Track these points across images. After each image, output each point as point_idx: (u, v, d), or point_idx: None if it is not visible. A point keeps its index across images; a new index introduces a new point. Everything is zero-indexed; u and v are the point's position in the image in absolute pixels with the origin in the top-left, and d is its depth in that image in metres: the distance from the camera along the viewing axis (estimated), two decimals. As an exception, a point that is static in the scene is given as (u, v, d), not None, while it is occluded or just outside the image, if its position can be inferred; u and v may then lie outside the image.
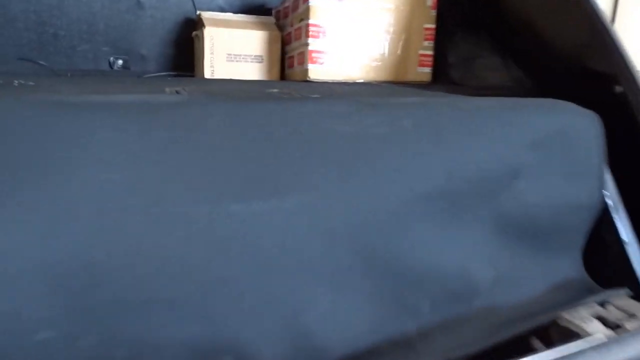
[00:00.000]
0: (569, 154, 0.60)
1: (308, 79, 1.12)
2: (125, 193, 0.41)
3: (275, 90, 0.69)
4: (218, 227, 0.44)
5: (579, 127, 0.60)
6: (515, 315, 0.60)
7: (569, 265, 0.66)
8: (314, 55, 1.12)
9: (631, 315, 0.57)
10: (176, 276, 0.42)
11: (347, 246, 0.49)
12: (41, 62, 1.31)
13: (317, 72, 1.11)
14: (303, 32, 1.15)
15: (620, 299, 0.60)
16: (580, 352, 0.50)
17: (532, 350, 0.61)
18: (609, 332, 0.54)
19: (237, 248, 0.44)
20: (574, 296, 0.64)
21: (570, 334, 0.56)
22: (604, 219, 0.63)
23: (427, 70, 1.23)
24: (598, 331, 0.54)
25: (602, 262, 0.65)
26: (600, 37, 0.70)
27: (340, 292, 0.49)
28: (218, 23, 1.28)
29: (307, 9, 1.12)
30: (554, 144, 0.59)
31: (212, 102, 0.52)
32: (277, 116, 0.52)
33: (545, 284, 0.64)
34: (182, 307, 0.43)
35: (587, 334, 0.54)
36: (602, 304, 0.59)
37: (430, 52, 1.21)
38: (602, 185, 0.61)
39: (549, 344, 0.62)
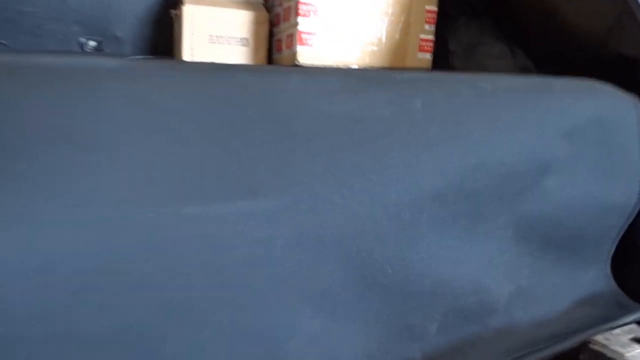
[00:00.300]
0: (606, 144, 0.51)
1: (296, 62, 1.01)
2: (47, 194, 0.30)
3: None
4: (168, 236, 0.33)
5: (618, 114, 0.51)
6: (537, 337, 0.50)
7: (597, 276, 0.56)
8: (303, 36, 1.01)
9: (678, 339, 0.48)
10: (113, 299, 0.32)
11: (340, 258, 0.38)
12: (2, 42, 1.18)
13: (306, 55, 1.00)
14: (292, 11, 1.03)
15: (662, 317, 0.51)
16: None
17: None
18: (655, 360, 0.45)
19: (194, 262, 0.34)
20: (604, 312, 0.55)
21: (605, 362, 0.47)
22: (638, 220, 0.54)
23: (428, 56, 1.12)
24: (641, 359, 0.45)
25: (635, 271, 0.56)
26: (631, 18, 0.60)
27: (331, 315, 0.39)
28: (200, 1, 1.16)
29: (298, -16, 1.01)
30: (589, 133, 0.49)
31: (162, 70, 0.40)
32: (251, 92, 0.41)
33: (570, 299, 0.55)
34: (123, 339, 0.32)
35: (628, 363, 0.45)
36: (640, 324, 0.50)
37: (431, 37, 1.10)
38: (641, 182, 0.52)
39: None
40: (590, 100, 0.50)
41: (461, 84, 0.47)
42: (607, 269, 0.56)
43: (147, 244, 0.33)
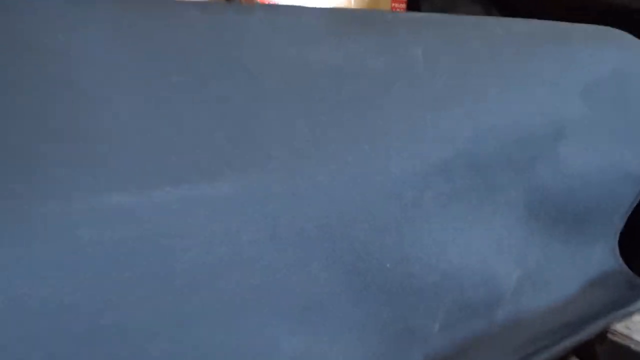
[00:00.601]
0: (623, 103, 0.44)
1: None
2: None
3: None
4: (86, 240, 0.22)
5: (638, 70, 0.43)
6: (547, 328, 0.44)
7: (606, 254, 0.51)
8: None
9: None
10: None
11: (327, 255, 0.29)
12: None
13: None
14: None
15: (681, 297, 0.46)
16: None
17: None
18: (685, 350, 0.40)
19: (126, 274, 0.23)
20: (617, 294, 0.49)
21: (627, 354, 0.41)
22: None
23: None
24: (672, 350, 0.39)
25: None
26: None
27: (316, 328, 0.30)
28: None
29: None
30: (608, 90, 0.42)
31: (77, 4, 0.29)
32: (201, 37, 0.30)
33: (580, 280, 0.49)
34: None
35: (657, 355, 0.39)
36: (660, 305, 0.45)
37: (403, 4, 1.02)
38: (662, 146, 0.45)
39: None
40: (611, 50, 0.42)
41: (469, 28, 0.38)
42: (616, 247, 0.51)
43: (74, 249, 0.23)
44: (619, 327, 0.42)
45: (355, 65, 0.33)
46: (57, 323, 0.22)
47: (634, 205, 0.49)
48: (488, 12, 0.98)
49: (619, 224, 0.50)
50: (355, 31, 0.35)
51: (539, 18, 0.44)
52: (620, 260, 0.52)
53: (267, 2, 0.82)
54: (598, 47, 0.42)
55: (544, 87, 0.38)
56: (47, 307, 0.22)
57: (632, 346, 0.40)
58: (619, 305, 0.46)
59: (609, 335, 0.42)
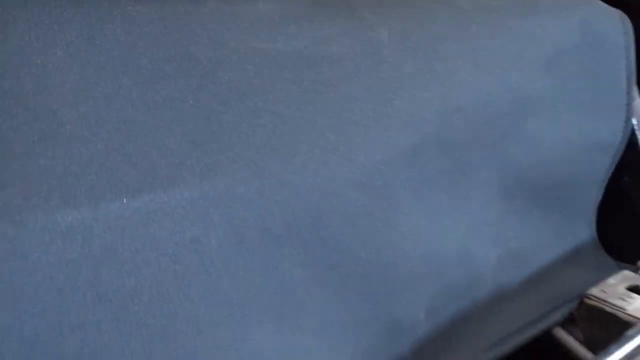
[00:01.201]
0: (591, 73, 0.44)
1: None
2: None
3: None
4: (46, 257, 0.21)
5: (604, 35, 0.43)
6: (530, 305, 0.44)
7: (584, 228, 0.51)
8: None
9: (676, 282, 0.44)
10: None
11: (298, 252, 0.29)
12: None
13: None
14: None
15: (653, 259, 0.47)
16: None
17: (558, 347, 0.47)
18: (658, 311, 0.41)
19: (103, 284, 0.23)
20: (594, 268, 0.50)
21: (605, 318, 0.42)
22: (628, 157, 0.48)
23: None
24: (645, 312, 0.40)
25: (623, 214, 0.52)
26: None
27: (299, 323, 0.30)
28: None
29: None
30: (572, 61, 0.42)
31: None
32: (150, 31, 0.28)
33: (559, 256, 0.49)
34: None
35: (632, 318, 0.40)
36: (634, 268, 0.46)
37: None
38: (630, 114, 0.46)
39: (577, 332, 0.48)
40: (578, 19, 0.42)
41: (436, 6, 0.37)
42: (593, 221, 0.51)
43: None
44: (595, 291, 0.43)
45: (318, 53, 0.32)
46: (20, 355, 0.21)
47: (609, 175, 0.49)
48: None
49: (596, 196, 0.50)
50: (318, 17, 0.33)
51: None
52: (595, 234, 0.52)
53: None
54: (564, 16, 0.42)
55: (510, 64, 0.38)
56: (8, 337, 0.21)
57: (607, 309, 0.41)
58: (589, 283, 0.46)
59: (586, 300, 0.43)
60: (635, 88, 0.46)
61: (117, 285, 0.24)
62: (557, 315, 0.45)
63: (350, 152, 0.31)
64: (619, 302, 0.41)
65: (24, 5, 0.25)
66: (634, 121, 0.48)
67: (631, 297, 0.42)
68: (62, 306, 0.22)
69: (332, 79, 0.32)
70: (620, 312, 0.41)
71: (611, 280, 0.44)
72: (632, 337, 0.37)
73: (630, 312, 0.40)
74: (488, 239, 0.42)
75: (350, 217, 0.31)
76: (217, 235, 0.26)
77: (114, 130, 0.25)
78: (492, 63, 0.37)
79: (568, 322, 0.45)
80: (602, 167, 0.48)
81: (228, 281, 0.27)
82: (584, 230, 0.50)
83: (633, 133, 0.48)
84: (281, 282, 0.28)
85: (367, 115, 0.32)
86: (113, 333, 0.23)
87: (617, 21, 0.44)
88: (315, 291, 0.30)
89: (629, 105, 0.45)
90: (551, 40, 0.40)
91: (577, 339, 0.47)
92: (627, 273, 0.45)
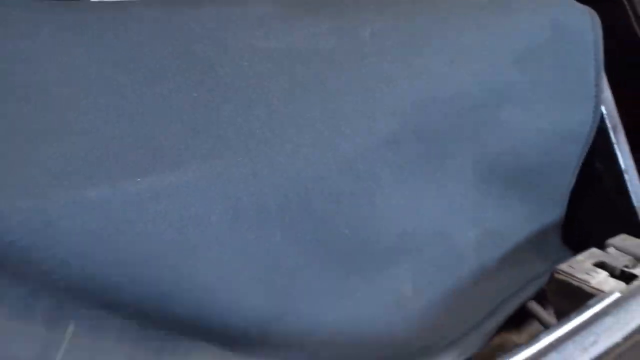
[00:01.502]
0: (560, 66, 0.47)
1: None
2: None
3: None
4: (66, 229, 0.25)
5: (574, 31, 0.47)
6: (510, 281, 0.48)
7: (555, 208, 0.54)
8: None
9: (638, 259, 0.48)
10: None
11: (287, 226, 0.32)
12: None
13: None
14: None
15: (620, 238, 0.51)
16: (597, 320, 0.39)
17: (532, 317, 0.51)
18: (619, 284, 0.45)
19: (119, 251, 0.26)
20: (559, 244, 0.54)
21: (572, 291, 0.46)
22: (598, 144, 0.52)
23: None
24: (607, 285, 0.44)
25: (594, 198, 0.55)
26: None
27: (291, 291, 0.34)
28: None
29: None
30: (543, 55, 0.45)
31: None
32: (154, 33, 0.32)
33: (530, 233, 0.53)
34: None
35: (594, 290, 0.44)
36: (601, 247, 0.50)
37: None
38: (599, 104, 0.49)
39: (548, 305, 0.53)
40: (549, 14, 0.45)
41: (417, 4, 0.40)
42: (564, 204, 0.55)
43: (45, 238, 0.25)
44: (564, 266, 0.47)
45: (306, 48, 0.35)
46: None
47: (581, 161, 0.53)
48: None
49: (569, 181, 0.53)
50: (305, 16, 0.37)
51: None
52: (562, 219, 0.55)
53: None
54: (536, 14, 0.45)
55: (483, 59, 0.41)
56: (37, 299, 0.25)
57: (574, 282, 0.45)
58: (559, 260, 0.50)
59: (555, 274, 0.47)
60: (603, 80, 0.50)
61: (132, 252, 0.27)
62: (531, 290, 0.48)
63: (336, 141, 0.35)
64: (584, 277, 0.45)
65: (51, 12, 0.29)
66: (604, 110, 0.52)
67: (596, 272, 0.46)
68: (86, 269, 0.26)
69: (320, 73, 0.36)
70: (585, 285, 0.45)
71: (579, 257, 0.48)
72: (591, 306, 0.41)
73: (594, 285, 0.44)
74: (465, 220, 0.46)
75: (335, 197, 0.35)
76: (216, 211, 0.30)
77: (126, 120, 0.29)
78: (466, 58, 0.41)
79: (540, 296, 0.49)
80: (573, 154, 0.51)
81: (225, 252, 0.31)
82: (556, 212, 0.54)
83: (602, 121, 0.52)
84: (272, 254, 0.32)
85: (351, 106, 0.36)
86: (129, 293, 0.27)
87: (587, 18, 0.47)
88: (303, 262, 0.34)
89: (597, 97, 0.48)
90: (523, 37, 0.44)
91: (548, 311, 0.51)
92: (594, 250, 0.49)
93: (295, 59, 0.35)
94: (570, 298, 0.45)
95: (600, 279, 0.45)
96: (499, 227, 0.50)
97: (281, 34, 0.36)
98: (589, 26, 0.46)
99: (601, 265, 0.47)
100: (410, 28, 0.40)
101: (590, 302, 0.42)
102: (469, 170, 0.45)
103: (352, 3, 0.40)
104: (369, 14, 0.38)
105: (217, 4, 0.34)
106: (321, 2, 0.38)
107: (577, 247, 0.50)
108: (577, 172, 0.53)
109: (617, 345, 0.39)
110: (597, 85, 0.48)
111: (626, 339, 0.37)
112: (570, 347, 0.38)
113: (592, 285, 0.44)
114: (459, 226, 0.45)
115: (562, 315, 0.46)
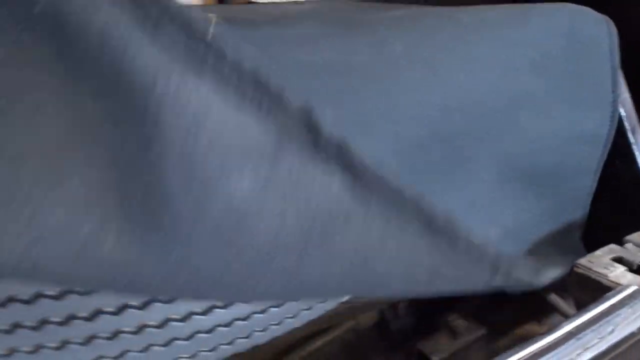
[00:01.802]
0: (575, 72, 0.50)
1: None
2: None
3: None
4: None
5: (591, 40, 0.49)
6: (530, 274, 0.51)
7: (576, 209, 0.57)
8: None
9: (656, 255, 0.50)
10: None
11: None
12: None
13: (263, -11, 0.92)
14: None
15: (638, 234, 0.53)
16: (615, 311, 0.42)
17: (552, 311, 0.54)
18: (635, 278, 0.47)
19: None
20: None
21: (591, 284, 0.49)
22: (617, 144, 0.54)
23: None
24: (625, 279, 0.47)
25: (613, 196, 0.57)
26: None
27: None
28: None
29: None
30: (559, 63, 0.48)
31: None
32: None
33: (551, 235, 0.55)
34: None
35: (612, 283, 0.47)
36: (619, 243, 0.52)
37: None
38: (616, 108, 0.52)
39: (569, 297, 0.55)
40: (565, 25, 0.48)
41: (441, 21, 0.44)
42: (586, 206, 0.56)
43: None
44: (583, 261, 0.50)
45: (345, 61, 0.40)
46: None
47: (601, 165, 0.55)
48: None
49: (591, 183, 0.55)
50: (346, 35, 0.41)
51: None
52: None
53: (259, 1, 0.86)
54: (553, 24, 0.48)
55: (502, 68, 0.45)
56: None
57: (593, 276, 0.48)
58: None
59: (575, 269, 0.49)
60: (621, 85, 0.52)
61: None
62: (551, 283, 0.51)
63: (368, 144, 0.39)
64: (603, 271, 0.48)
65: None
66: (622, 112, 0.54)
67: (614, 267, 0.49)
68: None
69: (355, 83, 0.40)
70: (603, 279, 0.47)
71: (598, 252, 0.51)
72: (609, 298, 0.44)
73: (612, 279, 0.47)
74: (484, 218, 0.49)
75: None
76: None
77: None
78: (486, 68, 0.44)
79: (559, 286, 0.51)
80: (592, 157, 0.54)
81: None
82: (577, 213, 0.56)
83: (621, 122, 0.54)
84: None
85: (381, 114, 0.40)
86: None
87: (603, 26, 0.50)
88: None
89: (614, 102, 0.51)
90: (539, 46, 0.47)
91: (568, 303, 0.54)
92: (613, 246, 0.51)
93: (335, 71, 0.39)
94: (590, 290, 0.48)
95: (618, 273, 0.48)
96: (519, 227, 0.52)
97: (324, 48, 0.40)
98: (605, 33, 0.49)
99: (619, 260, 0.49)
100: (435, 42, 0.44)
101: (609, 294, 0.44)
102: (489, 171, 0.48)
103: (386, 17, 0.44)
104: (402, 27, 0.43)
105: (273, 26, 0.39)
106: (360, 20, 0.43)
107: (595, 243, 0.52)
108: (598, 174, 0.55)
109: (632, 334, 0.42)
110: (614, 91, 0.50)
111: (641, 328, 0.40)
112: (589, 335, 0.41)
113: (610, 278, 0.47)
114: (480, 224, 0.48)
115: (582, 307, 0.49)
